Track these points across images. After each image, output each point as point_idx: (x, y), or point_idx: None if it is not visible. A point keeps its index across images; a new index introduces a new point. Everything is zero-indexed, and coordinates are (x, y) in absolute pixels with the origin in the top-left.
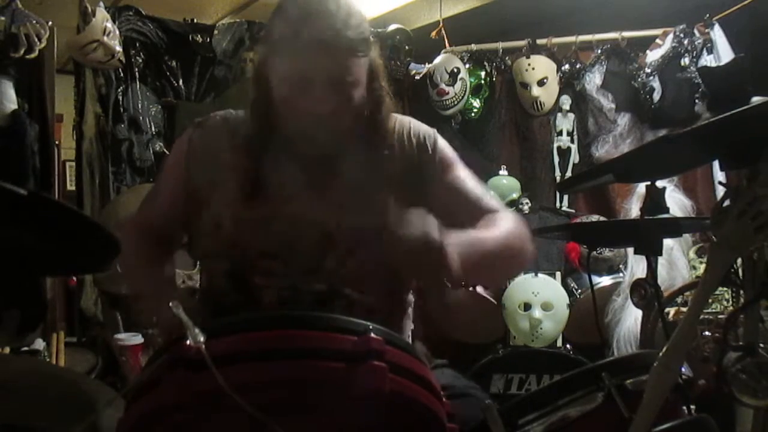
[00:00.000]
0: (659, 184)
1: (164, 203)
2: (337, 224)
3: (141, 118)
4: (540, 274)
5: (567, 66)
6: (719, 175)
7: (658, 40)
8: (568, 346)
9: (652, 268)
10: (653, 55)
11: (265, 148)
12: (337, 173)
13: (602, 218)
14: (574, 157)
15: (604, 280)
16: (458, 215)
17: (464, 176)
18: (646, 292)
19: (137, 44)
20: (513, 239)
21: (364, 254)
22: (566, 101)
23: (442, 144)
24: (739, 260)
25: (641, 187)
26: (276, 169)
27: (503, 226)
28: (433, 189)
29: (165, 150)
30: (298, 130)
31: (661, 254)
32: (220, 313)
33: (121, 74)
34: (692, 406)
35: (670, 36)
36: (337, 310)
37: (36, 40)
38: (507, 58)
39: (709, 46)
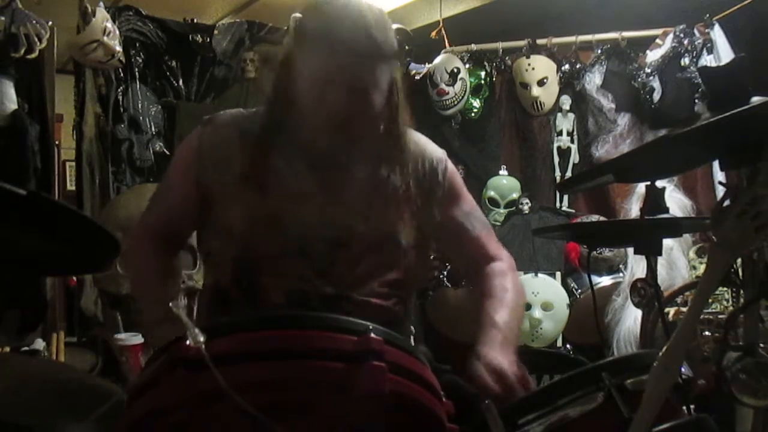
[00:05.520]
0: (659, 184)
1: (175, 202)
2: (347, 228)
3: (141, 118)
4: (540, 274)
5: (567, 66)
6: (719, 175)
7: (658, 40)
8: (568, 346)
9: (652, 268)
10: (653, 55)
11: (277, 147)
12: (349, 177)
13: (602, 218)
14: (574, 157)
15: (604, 280)
16: (459, 252)
17: (469, 209)
18: (646, 292)
19: (137, 44)
20: (520, 308)
21: (372, 258)
22: (566, 101)
23: (452, 171)
24: (739, 260)
25: (641, 187)
26: (287, 170)
27: (510, 295)
28: (439, 217)
29: (165, 150)
30: (316, 128)
31: (661, 254)
32: (225, 312)
33: (121, 74)
34: (692, 406)
35: (670, 36)
36: (343, 313)
37: (36, 40)
38: (507, 58)
39: (709, 46)
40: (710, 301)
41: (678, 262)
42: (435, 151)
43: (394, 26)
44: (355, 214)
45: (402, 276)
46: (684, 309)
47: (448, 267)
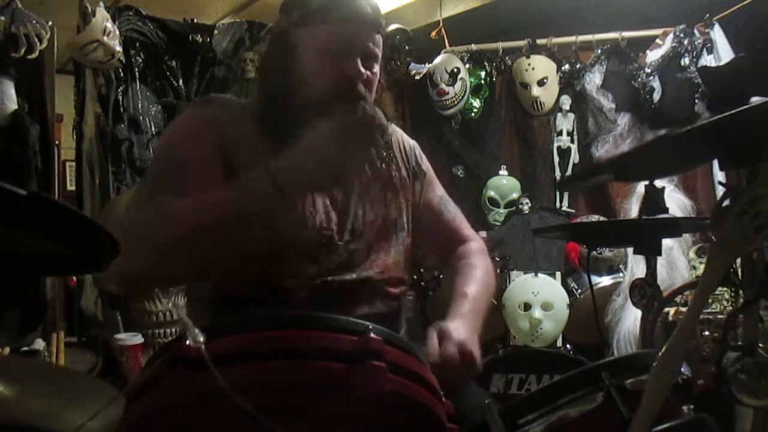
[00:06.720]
0: (659, 184)
1: (197, 170)
2: (362, 216)
3: (141, 118)
4: (540, 274)
5: (567, 66)
6: (719, 175)
7: (658, 40)
8: (568, 346)
9: (651, 268)
10: (653, 55)
11: (287, 136)
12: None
13: (602, 218)
14: (574, 157)
15: (604, 280)
16: (434, 235)
17: (442, 195)
18: (646, 292)
19: (137, 44)
20: (490, 286)
21: (381, 242)
22: (566, 101)
23: (424, 157)
24: (739, 260)
25: (641, 187)
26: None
27: (479, 272)
28: (419, 200)
29: None
30: (332, 96)
31: (660, 254)
32: (243, 309)
33: (121, 74)
34: (692, 406)
35: (670, 36)
36: (363, 296)
37: (36, 40)
38: (507, 58)
39: (709, 46)
40: (710, 301)
41: (678, 262)
42: (408, 137)
43: (394, 26)
44: (368, 201)
45: (406, 259)
46: (684, 309)
47: None
